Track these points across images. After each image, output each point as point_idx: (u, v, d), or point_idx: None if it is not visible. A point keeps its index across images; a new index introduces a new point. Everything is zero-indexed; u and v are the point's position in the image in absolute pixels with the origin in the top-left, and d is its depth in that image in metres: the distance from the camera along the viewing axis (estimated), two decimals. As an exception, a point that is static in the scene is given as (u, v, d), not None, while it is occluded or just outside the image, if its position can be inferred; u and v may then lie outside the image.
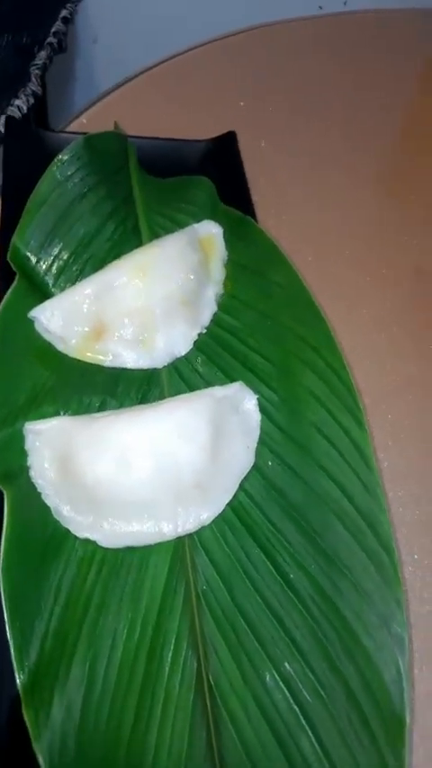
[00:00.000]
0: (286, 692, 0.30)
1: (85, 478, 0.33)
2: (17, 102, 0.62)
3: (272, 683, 0.30)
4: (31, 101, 0.64)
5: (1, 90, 0.63)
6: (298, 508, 0.34)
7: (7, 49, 0.68)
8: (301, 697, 0.30)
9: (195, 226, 0.43)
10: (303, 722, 0.30)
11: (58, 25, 0.74)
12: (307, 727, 0.29)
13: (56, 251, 0.40)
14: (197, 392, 0.36)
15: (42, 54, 0.72)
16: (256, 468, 0.35)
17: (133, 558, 0.32)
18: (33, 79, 0.69)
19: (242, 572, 0.33)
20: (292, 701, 0.30)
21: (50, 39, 0.73)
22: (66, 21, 0.75)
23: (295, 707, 0.30)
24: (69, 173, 0.42)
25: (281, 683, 0.30)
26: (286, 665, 0.31)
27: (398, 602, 0.31)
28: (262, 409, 0.37)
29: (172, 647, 0.30)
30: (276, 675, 0.30)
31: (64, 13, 0.75)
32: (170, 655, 0.30)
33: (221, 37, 0.65)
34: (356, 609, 0.32)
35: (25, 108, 0.62)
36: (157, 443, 0.33)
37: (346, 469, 0.35)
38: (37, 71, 0.70)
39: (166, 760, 0.28)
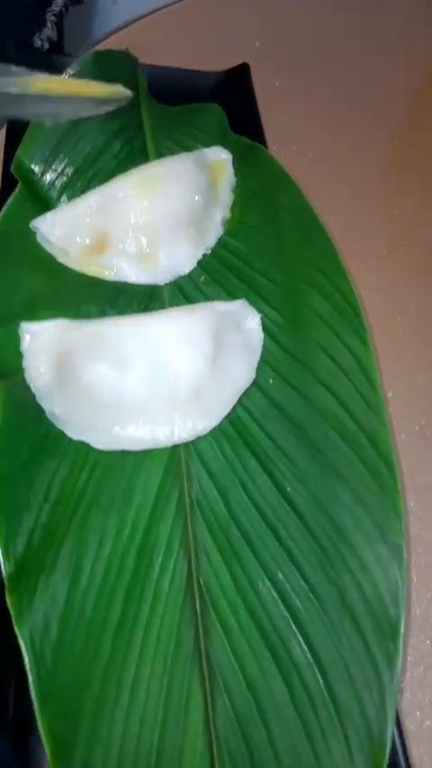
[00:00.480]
0: (278, 598, 0.29)
1: (81, 380, 0.32)
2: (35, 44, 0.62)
3: (264, 590, 0.30)
4: (46, 45, 0.64)
5: (17, 29, 0.63)
6: (298, 424, 0.33)
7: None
8: (293, 604, 0.29)
9: (205, 150, 0.42)
10: (294, 628, 0.29)
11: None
12: (297, 633, 0.29)
13: (60, 166, 0.40)
14: (199, 304, 0.35)
15: (59, 1, 0.71)
16: (256, 384, 0.34)
17: (127, 462, 0.32)
18: (49, 25, 0.69)
19: (238, 483, 0.32)
20: (283, 608, 0.29)
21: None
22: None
23: (287, 613, 0.29)
24: (77, 87, 0.41)
25: (273, 590, 0.30)
26: (279, 573, 0.30)
27: (396, 512, 0.30)
28: (265, 328, 0.36)
29: (163, 550, 0.30)
30: (269, 583, 0.30)
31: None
32: (160, 556, 0.30)
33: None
34: (354, 519, 0.31)
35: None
36: (155, 347, 0.32)
37: (348, 387, 0.34)
38: (53, 17, 0.69)
39: (152, 656, 0.28)
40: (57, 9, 0.69)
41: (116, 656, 0.27)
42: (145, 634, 0.28)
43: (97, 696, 0.26)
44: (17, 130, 0.40)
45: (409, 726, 0.31)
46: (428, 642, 0.33)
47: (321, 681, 0.28)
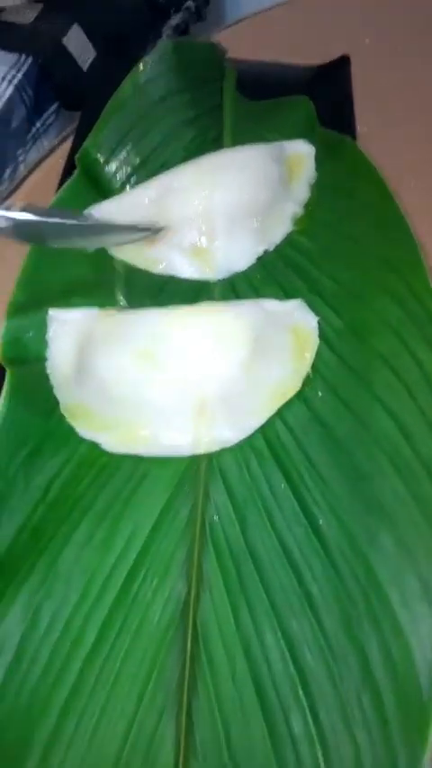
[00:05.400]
0: (287, 653, 0.24)
1: (101, 372, 0.29)
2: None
3: (271, 640, 0.24)
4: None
5: (129, 40, 0.64)
6: (343, 445, 0.28)
7: (139, 6, 0.68)
8: (304, 663, 0.24)
9: (284, 143, 0.38)
10: (300, 692, 0.23)
11: (198, -8, 0.73)
12: (303, 699, 0.23)
13: (127, 155, 0.38)
14: (244, 300, 0.31)
15: (177, 16, 0.72)
16: (301, 396, 0.30)
17: (137, 469, 0.28)
18: (164, 37, 0.69)
19: (261, 507, 0.27)
20: (291, 666, 0.24)
21: (188, 3, 0.73)
22: (208, -11, 0.75)
23: (294, 673, 0.24)
24: (152, 75, 0.39)
25: (282, 641, 0.24)
26: (293, 622, 0.25)
27: (449, 567, 0.24)
28: (321, 333, 0.31)
29: (159, 573, 0.26)
30: (279, 631, 0.25)
31: (207, -20, 0.74)
32: (155, 580, 0.26)
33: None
34: (394, 569, 0.25)
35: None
36: (184, 342, 0.29)
37: (409, 406, 0.28)
38: (168, 31, 0.70)
39: (124, 695, 0.24)
40: (174, 23, 0.70)
41: (83, 685, 0.24)
42: (121, 667, 0.24)
43: (50, 732, 0.23)
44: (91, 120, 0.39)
45: None
46: None
47: (322, 763, 0.22)
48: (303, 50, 0.49)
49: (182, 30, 0.71)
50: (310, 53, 0.48)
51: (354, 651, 0.24)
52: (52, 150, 0.46)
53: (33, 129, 0.54)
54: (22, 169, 0.52)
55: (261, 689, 0.24)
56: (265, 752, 0.22)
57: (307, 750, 0.22)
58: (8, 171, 0.51)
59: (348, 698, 0.23)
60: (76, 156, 0.37)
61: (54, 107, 0.57)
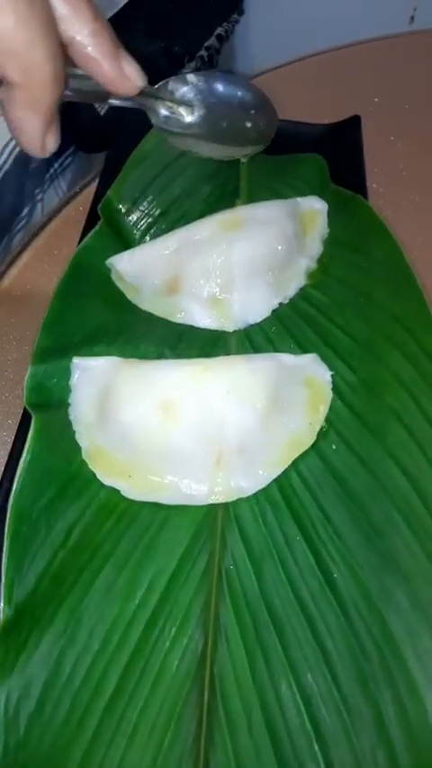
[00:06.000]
0: (302, 707, 0.25)
1: (122, 420, 0.30)
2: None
3: (287, 693, 0.25)
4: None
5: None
6: (357, 499, 0.29)
7: (157, 53, 0.71)
8: (320, 717, 0.24)
9: (298, 199, 0.40)
10: (316, 748, 0.24)
11: (211, 41, 0.76)
12: (319, 755, 0.24)
13: (147, 207, 0.39)
14: (262, 354, 0.33)
15: (192, 64, 0.74)
16: (316, 448, 0.31)
17: (157, 515, 0.29)
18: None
19: (277, 559, 0.28)
20: (306, 720, 0.24)
21: (202, 52, 0.76)
22: (220, 38, 0.78)
23: (309, 727, 0.24)
24: (174, 131, 0.41)
25: (298, 695, 0.25)
26: (309, 676, 0.25)
27: (462, 626, 0.25)
28: (335, 387, 0.32)
29: (178, 622, 0.26)
30: (294, 685, 0.25)
31: (219, 30, 0.77)
32: (173, 629, 0.26)
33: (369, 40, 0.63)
34: (409, 627, 0.25)
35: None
36: (204, 395, 0.30)
37: (422, 463, 0.29)
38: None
39: (142, 745, 0.24)
40: (188, 71, 0.72)
41: (101, 737, 0.24)
42: (139, 718, 0.24)
43: (72, 779, 0.23)
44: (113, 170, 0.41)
45: None
46: None
47: None
48: (314, 108, 0.51)
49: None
50: (320, 111, 0.50)
51: (368, 706, 0.24)
52: (72, 197, 0.47)
53: (51, 170, 0.56)
54: (39, 208, 0.53)
55: (277, 742, 0.24)
56: (280, 807, 0.23)
57: (323, 805, 0.23)
58: (26, 210, 0.53)
59: (363, 753, 0.23)
60: (99, 206, 0.39)
61: (71, 150, 0.59)
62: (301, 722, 0.24)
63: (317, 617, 0.26)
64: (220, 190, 0.40)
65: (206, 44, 0.78)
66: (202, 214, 0.39)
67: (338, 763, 0.23)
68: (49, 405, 0.31)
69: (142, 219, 0.39)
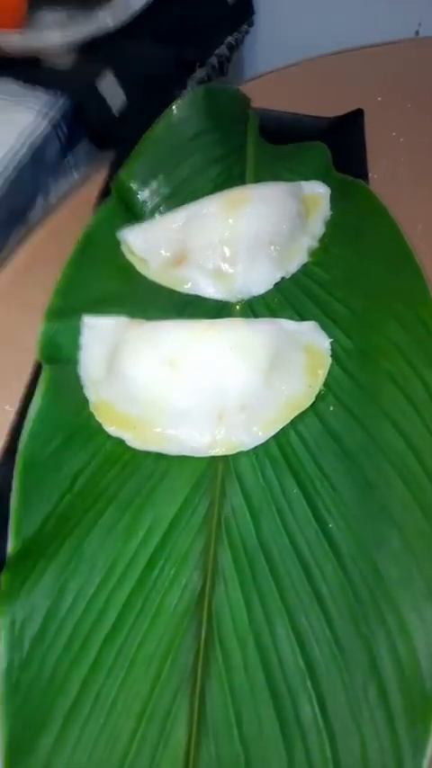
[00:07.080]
0: (296, 646, 0.25)
1: (129, 373, 0.31)
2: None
3: (281, 633, 0.26)
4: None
5: (157, 88, 0.68)
6: (353, 456, 0.30)
7: (168, 59, 0.73)
8: (312, 655, 0.25)
9: (301, 182, 0.42)
10: (308, 683, 0.24)
11: (221, 49, 0.79)
12: (311, 689, 0.24)
13: (158, 186, 0.41)
14: (264, 319, 0.34)
15: (201, 71, 0.77)
16: (314, 409, 0.32)
17: (159, 466, 0.30)
18: (189, 89, 0.74)
19: (274, 509, 0.29)
20: (300, 657, 0.25)
21: (212, 59, 0.78)
22: (230, 47, 0.81)
23: (302, 664, 0.25)
24: (184, 116, 0.42)
25: (292, 634, 0.26)
26: (303, 617, 0.26)
27: (453, 569, 0.25)
28: (333, 353, 0.33)
29: (177, 562, 0.27)
30: (288, 626, 0.26)
31: (229, 39, 0.80)
32: (173, 569, 0.27)
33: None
34: (400, 570, 0.26)
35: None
36: (208, 352, 0.31)
37: (417, 423, 0.30)
38: (193, 84, 0.75)
39: (140, 677, 0.24)
40: (198, 77, 0.75)
41: (100, 665, 0.24)
42: (138, 648, 0.25)
43: (70, 704, 0.24)
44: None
45: None
46: None
47: (329, 752, 0.23)
48: (318, 106, 0.53)
49: (205, 83, 0.77)
50: (324, 108, 0.52)
51: (361, 647, 0.25)
52: (83, 181, 0.49)
53: (65, 162, 0.58)
54: (52, 197, 0.55)
55: (271, 677, 0.25)
56: (274, 736, 0.23)
57: (315, 737, 0.23)
58: (40, 199, 0.55)
59: (355, 690, 0.24)
60: (112, 182, 0.40)
61: (84, 143, 0.61)
62: (294, 660, 0.25)
63: (312, 564, 0.27)
64: (228, 172, 0.42)
65: (216, 52, 0.80)
66: (210, 193, 0.40)
67: (331, 699, 0.24)
68: (59, 360, 0.32)
69: (152, 197, 0.40)
